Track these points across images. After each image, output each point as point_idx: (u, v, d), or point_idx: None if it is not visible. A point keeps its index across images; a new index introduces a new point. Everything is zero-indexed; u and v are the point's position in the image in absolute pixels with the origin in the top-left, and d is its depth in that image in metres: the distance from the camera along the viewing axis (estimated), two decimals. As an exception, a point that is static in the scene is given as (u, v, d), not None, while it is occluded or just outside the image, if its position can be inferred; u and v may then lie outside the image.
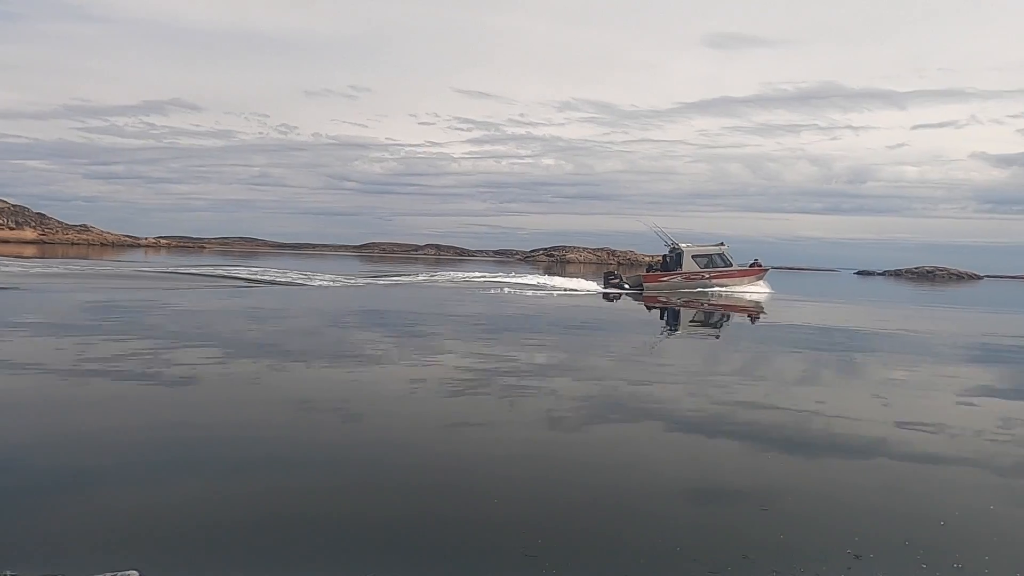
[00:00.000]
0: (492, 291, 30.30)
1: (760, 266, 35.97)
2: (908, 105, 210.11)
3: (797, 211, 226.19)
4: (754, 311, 25.91)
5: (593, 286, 34.86)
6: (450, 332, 15.38)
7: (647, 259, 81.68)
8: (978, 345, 17.58)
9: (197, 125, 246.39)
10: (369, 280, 34.91)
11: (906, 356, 14.48)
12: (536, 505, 4.99)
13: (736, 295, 33.17)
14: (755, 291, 34.47)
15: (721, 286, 34.11)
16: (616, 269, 42.37)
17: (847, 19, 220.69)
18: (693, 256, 34.34)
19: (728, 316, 23.97)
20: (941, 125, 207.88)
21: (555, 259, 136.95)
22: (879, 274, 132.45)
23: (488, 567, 4.01)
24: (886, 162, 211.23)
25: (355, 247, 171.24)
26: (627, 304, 27.30)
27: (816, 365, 12.68)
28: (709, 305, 27.61)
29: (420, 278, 37.48)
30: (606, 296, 31.01)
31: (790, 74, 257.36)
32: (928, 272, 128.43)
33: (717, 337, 18.26)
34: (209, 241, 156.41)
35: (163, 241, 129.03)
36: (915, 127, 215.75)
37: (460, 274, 41.14)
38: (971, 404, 9.47)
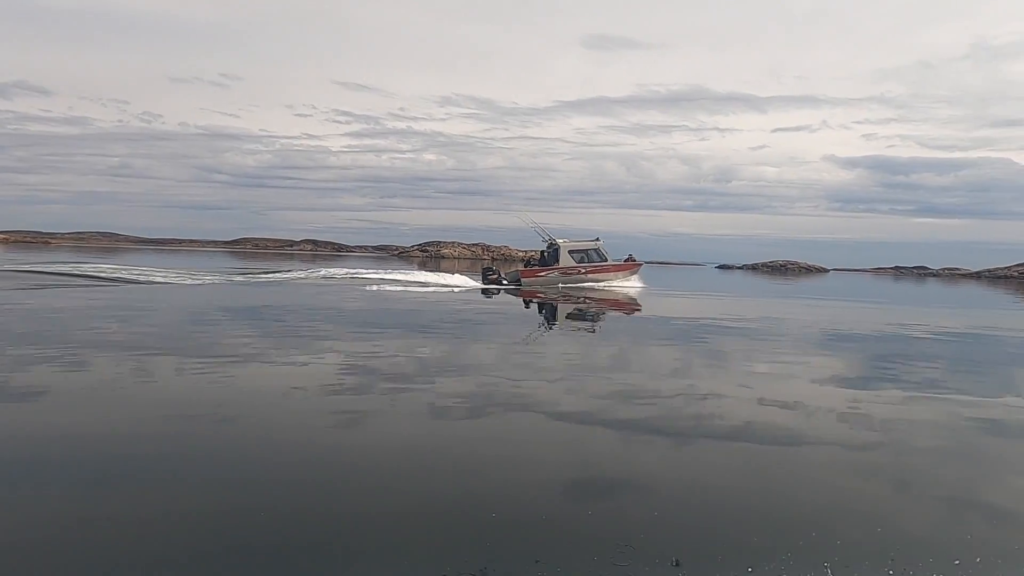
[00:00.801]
0: (369, 288, 29.72)
1: (634, 261, 37.35)
2: (768, 109, 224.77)
3: (669, 208, 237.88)
4: (628, 305, 26.88)
5: (472, 282, 34.98)
6: (325, 332, 14.93)
7: (522, 254, 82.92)
8: (822, 333, 19.10)
9: (47, 110, 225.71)
10: (233, 278, 33.30)
11: (761, 343, 15.48)
12: (414, 498, 4.92)
13: (611, 289, 34.28)
14: (629, 285, 35.77)
15: (597, 281, 35.13)
16: (492, 264, 42.64)
17: (714, 25, 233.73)
18: (569, 251, 35.19)
19: (603, 311, 24.71)
20: (797, 129, 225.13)
21: (429, 255, 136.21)
22: (738, 268, 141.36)
23: (364, 561, 3.91)
24: (748, 162, 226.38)
25: (227, 242, 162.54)
26: (505, 300, 27.57)
27: (686, 355, 13.31)
28: (586, 299, 28.36)
29: (290, 275, 36.17)
30: (485, 292, 31.18)
31: (662, 77, 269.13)
32: (781, 266, 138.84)
33: (593, 331, 18.78)
34: (61, 236, 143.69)
35: (0, 236, 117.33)
36: (774, 130, 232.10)
37: (333, 271, 40.02)
38: (821, 387, 10.31)
